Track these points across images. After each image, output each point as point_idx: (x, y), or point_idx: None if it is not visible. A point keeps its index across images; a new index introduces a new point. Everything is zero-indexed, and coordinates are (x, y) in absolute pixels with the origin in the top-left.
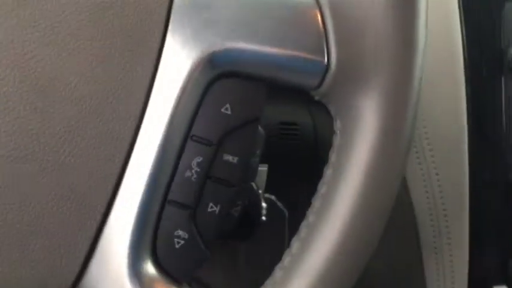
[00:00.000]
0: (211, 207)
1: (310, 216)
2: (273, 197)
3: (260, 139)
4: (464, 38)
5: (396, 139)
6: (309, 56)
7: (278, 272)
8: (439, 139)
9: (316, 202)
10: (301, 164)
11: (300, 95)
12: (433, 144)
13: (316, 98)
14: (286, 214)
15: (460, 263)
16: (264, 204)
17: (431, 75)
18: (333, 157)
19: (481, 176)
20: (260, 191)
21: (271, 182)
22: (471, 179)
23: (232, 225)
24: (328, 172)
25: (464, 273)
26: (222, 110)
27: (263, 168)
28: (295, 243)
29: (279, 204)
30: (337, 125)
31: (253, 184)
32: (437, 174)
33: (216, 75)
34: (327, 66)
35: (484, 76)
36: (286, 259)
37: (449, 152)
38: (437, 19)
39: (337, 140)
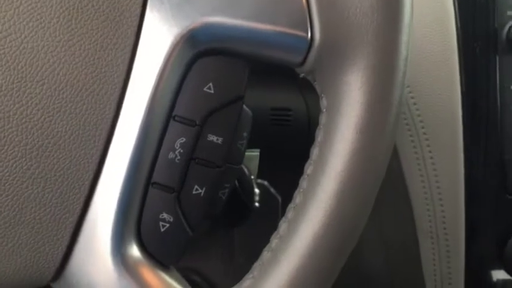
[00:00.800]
0: (196, 189)
1: (297, 197)
2: (265, 183)
3: (247, 121)
4: (458, 17)
5: (382, 115)
6: (292, 32)
7: (266, 254)
8: (433, 122)
9: (303, 183)
10: (294, 150)
11: (292, 79)
12: (427, 127)
13: (301, 75)
14: (280, 200)
15: (456, 248)
16: (257, 190)
17: (423, 54)
18: (319, 136)
19: (475, 158)
20: (252, 177)
21: (264, 168)
22: (466, 161)
23: (220, 208)
24: (314, 152)
25: (460, 258)
26: (205, 89)
27: (255, 153)
28: (282, 225)
29: (272, 190)
30: (323, 102)
31: (245, 169)
32: (431, 158)
33: (198, 52)
34: (311, 42)
35: (478, 55)
36: (274, 241)
37: (443, 135)
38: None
39: (323, 119)
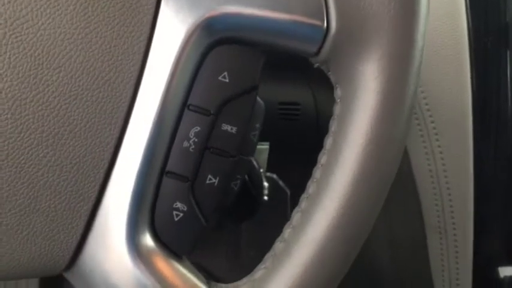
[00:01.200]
0: (210, 178)
1: (311, 187)
2: (274, 176)
3: (260, 112)
4: (469, 12)
5: (398, 104)
6: (308, 21)
7: (278, 245)
8: (442, 117)
9: (316, 173)
10: (303, 143)
11: (301, 74)
12: (437, 122)
13: (316, 65)
14: (289, 193)
15: (465, 244)
16: (265, 184)
17: (433, 48)
18: (333, 126)
19: (485, 153)
20: (262, 170)
21: (273, 161)
22: (475, 157)
23: (232, 199)
24: (328, 141)
25: (468, 254)
26: (220, 78)
27: (264, 147)
28: (295, 215)
29: (281, 183)
30: (338, 92)
31: (254, 161)
32: (441, 153)
33: (213, 41)
34: (327, 31)
35: (489, 50)
36: (287, 231)
37: (453, 129)
38: None
39: (337, 109)
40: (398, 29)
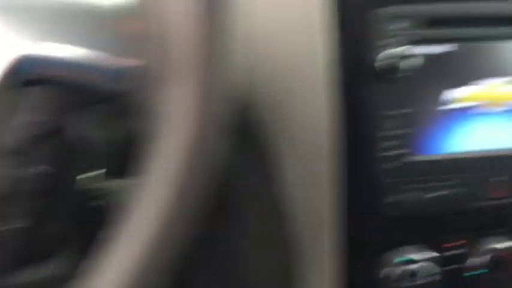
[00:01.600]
0: (21, 222)
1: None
2: None
3: (77, 147)
4: (331, 46)
5: (203, 147)
6: (113, 61)
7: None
8: (305, 147)
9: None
10: None
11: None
12: (297, 154)
13: (127, 103)
14: None
15: (334, 272)
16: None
17: (291, 82)
18: (146, 161)
19: (353, 180)
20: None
21: None
22: (346, 184)
23: (63, 237)
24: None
25: (335, 282)
26: (28, 119)
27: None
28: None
29: None
30: (148, 129)
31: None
32: (303, 184)
33: (20, 82)
34: (133, 70)
35: (352, 83)
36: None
37: (315, 162)
38: (297, 20)
39: (149, 146)
40: (199, 71)
